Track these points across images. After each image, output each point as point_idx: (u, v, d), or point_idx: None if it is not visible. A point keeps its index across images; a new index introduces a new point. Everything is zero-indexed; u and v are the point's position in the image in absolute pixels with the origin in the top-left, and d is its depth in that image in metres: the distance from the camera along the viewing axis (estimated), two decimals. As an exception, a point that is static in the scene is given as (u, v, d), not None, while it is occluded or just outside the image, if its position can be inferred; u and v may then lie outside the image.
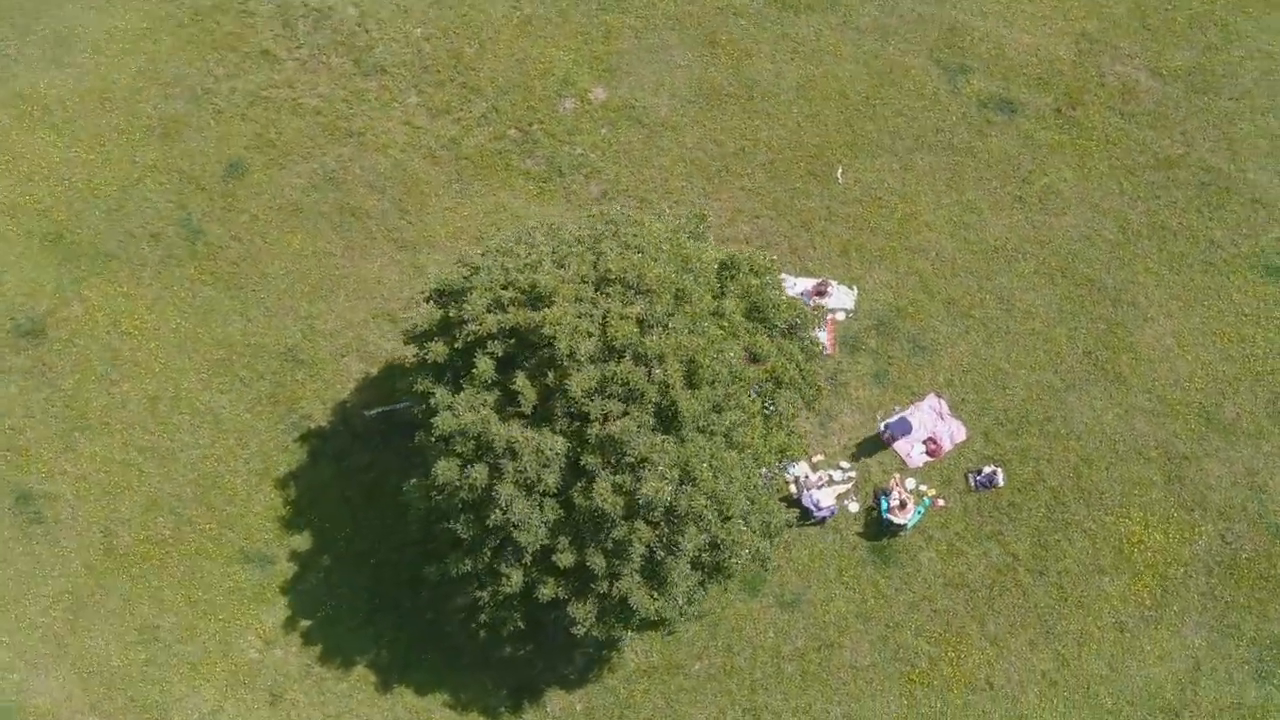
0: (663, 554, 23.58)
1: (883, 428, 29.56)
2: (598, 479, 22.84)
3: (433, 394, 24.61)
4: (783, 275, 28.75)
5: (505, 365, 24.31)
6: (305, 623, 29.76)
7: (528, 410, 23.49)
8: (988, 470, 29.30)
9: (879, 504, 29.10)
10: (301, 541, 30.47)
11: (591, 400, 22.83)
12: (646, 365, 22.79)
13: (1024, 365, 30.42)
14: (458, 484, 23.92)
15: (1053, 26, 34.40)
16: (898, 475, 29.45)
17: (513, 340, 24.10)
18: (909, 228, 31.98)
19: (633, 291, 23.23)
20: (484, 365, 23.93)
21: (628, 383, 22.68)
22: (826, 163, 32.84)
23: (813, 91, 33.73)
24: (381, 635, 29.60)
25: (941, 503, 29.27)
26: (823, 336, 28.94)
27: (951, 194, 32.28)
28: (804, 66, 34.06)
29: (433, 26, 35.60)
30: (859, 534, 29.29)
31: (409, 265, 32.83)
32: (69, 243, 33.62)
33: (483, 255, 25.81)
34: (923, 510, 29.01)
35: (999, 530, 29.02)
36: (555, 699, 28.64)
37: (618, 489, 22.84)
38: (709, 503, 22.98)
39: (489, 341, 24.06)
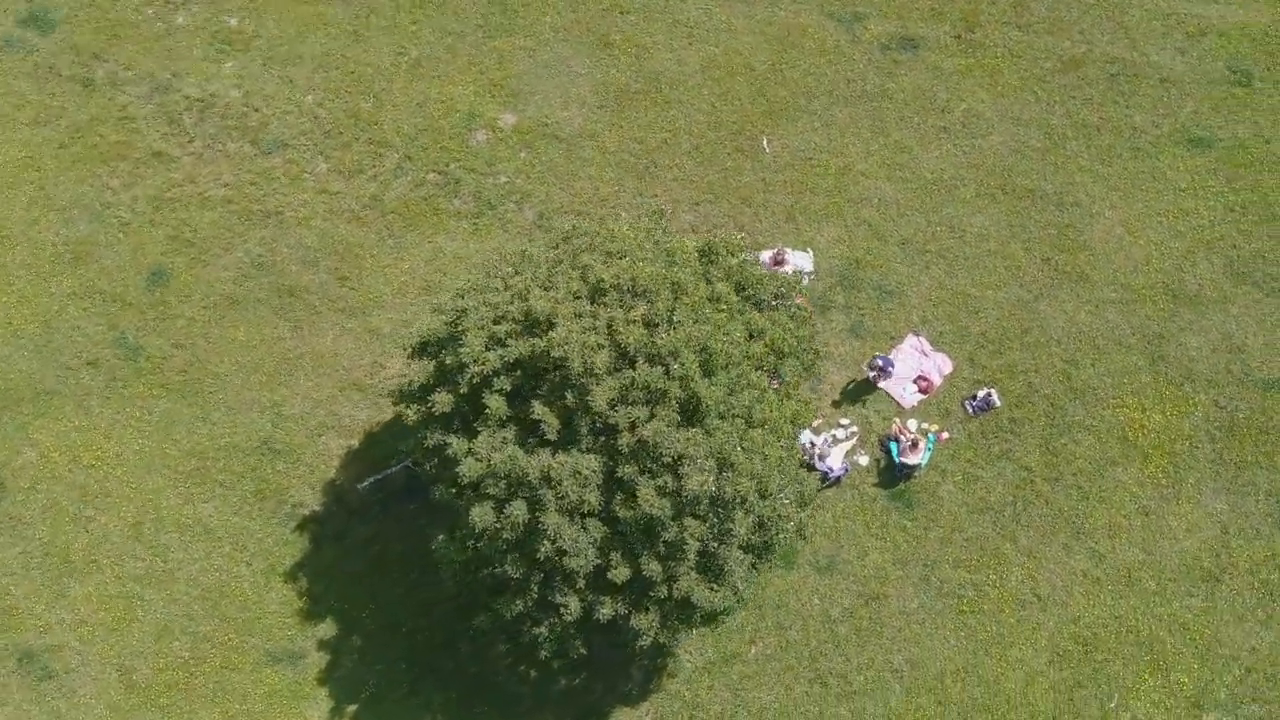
0: (715, 545, 24.65)
1: (870, 372, 31.08)
2: (640, 487, 23.83)
3: (448, 445, 25.34)
4: (740, 253, 30.03)
5: (513, 399, 25.19)
6: (351, 708, 30.26)
7: (552, 436, 24.38)
8: (982, 394, 30.96)
9: (889, 450, 30.55)
10: (326, 629, 30.94)
11: (616, 410, 23.83)
12: (662, 364, 23.88)
13: (990, 286, 32.19)
14: (498, 525, 24.70)
15: (929, -43, 36.38)
16: (898, 420, 30.96)
17: (518, 372, 24.99)
18: (846, 180, 33.58)
19: (630, 295, 24.31)
20: (496, 403, 24.79)
21: (648, 385, 23.74)
22: (750, 137, 34.31)
23: (718, 71, 35.18)
24: (430, 701, 30.25)
25: (946, 435, 30.85)
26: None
27: (878, 139, 33.98)
28: (703, 48, 35.50)
29: (323, 90, 36.27)
30: (875, 485, 30.73)
31: (362, 331, 33.47)
32: (3, 390, 33.59)
33: (461, 297, 26.65)
34: (931, 447, 30.54)
35: (1007, 448, 30.69)
36: (623, 718, 29.53)
37: (661, 491, 23.87)
38: (752, 483, 24.14)
39: (495, 379, 24.91)
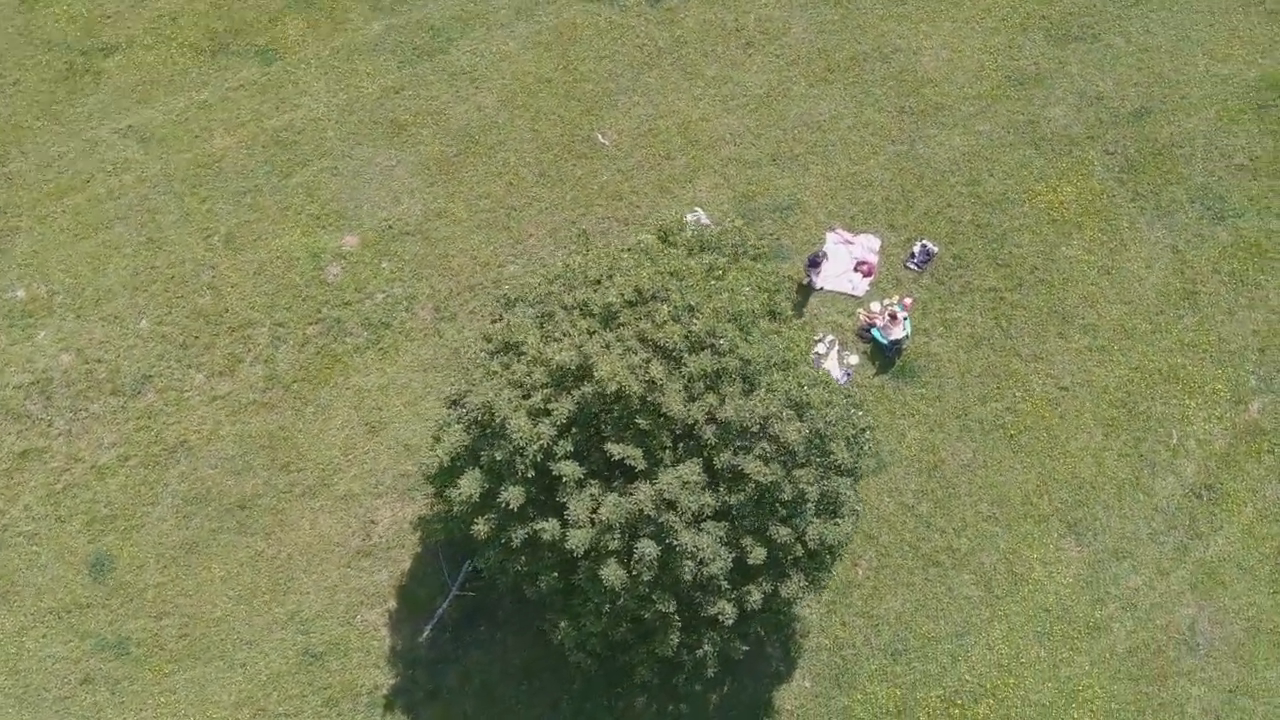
0: (825, 483, 27.49)
1: (810, 274, 34.51)
2: (746, 465, 26.42)
3: (543, 531, 27.24)
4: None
5: (575, 457, 27.35)
6: (540, 836, 31.97)
7: (641, 466, 26.66)
8: (917, 248, 34.84)
9: (873, 338, 34.05)
10: (469, 785, 32.46)
11: (689, 409, 26.35)
12: (706, 348, 26.51)
13: (867, 156, 36.12)
14: (634, 574, 26.83)
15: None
16: (861, 310, 34.52)
17: (572, 430, 27.16)
18: (692, 134, 36.87)
19: (640, 305, 26.82)
20: (570, 468, 26.89)
21: (704, 373, 26.35)
22: (584, 140, 37.16)
23: (519, 98, 37.85)
24: (606, 789, 32.24)
25: (909, 300, 34.58)
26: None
27: (697, 84, 37.37)
28: (494, 86, 38.07)
29: (153, 309, 37.10)
30: (876, 374, 34.26)
31: (334, 503, 34.76)
32: (9, 755, 33.56)
33: (459, 401, 28.50)
34: (906, 316, 34.19)
35: (965, 282, 34.70)
36: (784, 695, 32.19)
37: (765, 459, 26.53)
38: (832, 410, 27.11)
39: (554, 447, 27.00)
